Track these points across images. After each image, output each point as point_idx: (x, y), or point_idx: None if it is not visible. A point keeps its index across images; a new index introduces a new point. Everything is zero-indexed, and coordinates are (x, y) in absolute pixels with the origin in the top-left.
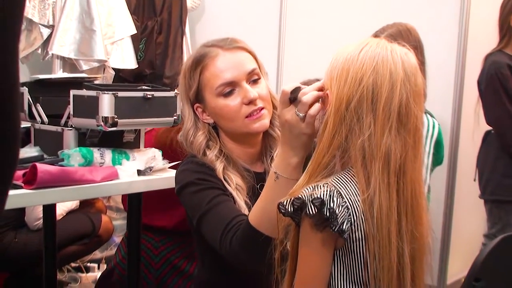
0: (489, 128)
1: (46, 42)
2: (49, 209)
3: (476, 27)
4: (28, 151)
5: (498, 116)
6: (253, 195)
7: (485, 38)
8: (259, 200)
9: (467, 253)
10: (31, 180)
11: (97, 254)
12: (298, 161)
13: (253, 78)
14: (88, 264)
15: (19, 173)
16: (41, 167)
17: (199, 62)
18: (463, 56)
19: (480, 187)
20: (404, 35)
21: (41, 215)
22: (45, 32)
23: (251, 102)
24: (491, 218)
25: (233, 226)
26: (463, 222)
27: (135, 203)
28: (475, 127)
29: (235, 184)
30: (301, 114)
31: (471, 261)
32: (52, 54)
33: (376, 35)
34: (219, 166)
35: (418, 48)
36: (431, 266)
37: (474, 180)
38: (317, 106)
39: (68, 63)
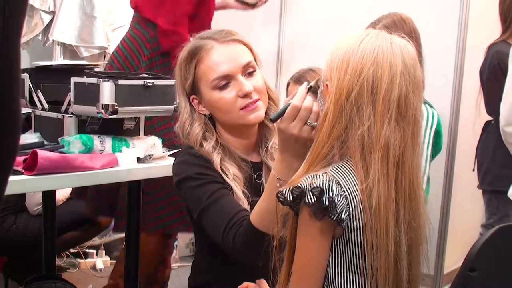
0: (489, 118)
1: (47, 28)
2: (49, 195)
3: (476, 16)
4: (28, 137)
5: (499, 107)
6: (250, 184)
7: (485, 28)
8: (261, 202)
9: (464, 243)
10: (32, 166)
11: (96, 240)
12: (299, 165)
13: (248, 70)
14: (87, 250)
15: (20, 159)
16: (42, 153)
17: (195, 54)
18: (463, 46)
19: (479, 177)
20: (398, 25)
21: (41, 200)
22: (46, 18)
23: (246, 95)
24: (489, 209)
25: (235, 223)
26: (461, 212)
27: (134, 190)
28: (475, 117)
29: (232, 175)
30: (314, 123)
31: (467, 252)
32: (53, 40)
33: (371, 26)
34: (216, 158)
35: (414, 38)
36: (427, 256)
37: (473, 170)
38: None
39: (69, 50)
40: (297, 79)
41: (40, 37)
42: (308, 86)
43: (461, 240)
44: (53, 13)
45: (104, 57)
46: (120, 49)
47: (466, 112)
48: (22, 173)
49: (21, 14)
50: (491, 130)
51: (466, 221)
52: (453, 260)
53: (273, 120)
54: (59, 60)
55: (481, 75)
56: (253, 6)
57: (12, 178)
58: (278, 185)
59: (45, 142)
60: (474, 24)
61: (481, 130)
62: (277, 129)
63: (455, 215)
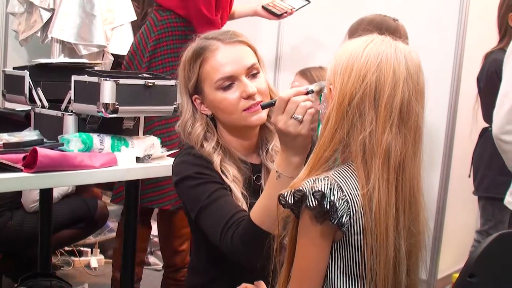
0: (486, 125)
1: (46, 26)
2: (46, 193)
3: (475, 23)
4: (27, 135)
5: None
6: (249, 186)
7: (483, 35)
8: (261, 198)
9: (458, 249)
10: (31, 164)
11: (91, 239)
12: (299, 160)
13: (252, 72)
14: (81, 249)
15: (19, 156)
16: (42, 151)
17: (199, 54)
18: (461, 52)
19: (474, 184)
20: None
21: (38, 198)
22: (45, 15)
23: (249, 96)
24: (484, 215)
25: (234, 223)
26: (455, 218)
27: (132, 190)
28: (472, 124)
29: (232, 176)
30: (299, 117)
31: (461, 257)
32: (52, 37)
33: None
34: (216, 159)
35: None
36: (425, 262)
37: (469, 176)
38: (312, 108)
39: (67, 47)
40: (303, 72)
41: (39, 34)
42: (309, 90)
43: (455, 245)
44: (52, 10)
45: (103, 55)
46: (136, 37)
47: (463, 118)
48: (21, 171)
49: None
50: (487, 137)
51: (460, 227)
52: (447, 265)
53: (262, 107)
54: (59, 58)
55: (478, 83)
56: (278, 16)
57: (11, 175)
58: (276, 178)
59: (45, 140)
60: (472, 31)
61: (477, 137)
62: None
63: (449, 221)
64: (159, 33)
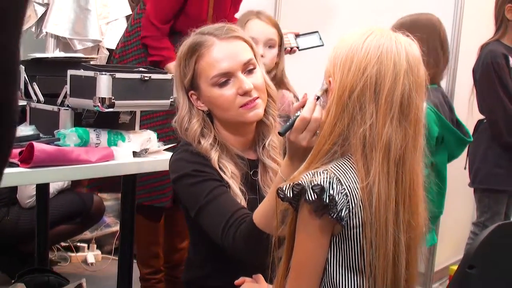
0: (482, 117)
1: (40, 20)
2: (43, 188)
3: (470, 15)
4: (23, 130)
5: (491, 105)
6: (247, 182)
7: (480, 27)
8: (265, 203)
9: (454, 241)
10: (28, 159)
11: (87, 234)
12: None
13: (248, 68)
14: (78, 244)
15: (15, 151)
16: (38, 146)
17: (195, 50)
18: (457, 44)
19: (470, 176)
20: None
21: (33, 193)
22: (40, 10)
23: (246, 93)
24: (480, 207)
25: (235, 221)
26: (452, 210)
27: (129, 184)
28: (468, 116)
29: (230, 173)
30: None
31: (458, 249)
32: (46, 32)
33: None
34: (214, 156)
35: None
36: (425, 255)
37: (465, 168)
38: None
39: (62, 42)
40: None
41: (33, 29)
42: (317, 97)
43: (452, 237)
44: (47, 5)
45: (98, 50)
46: None
47: (459, 110)
48: (17, 166)
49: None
50: (483, 129)
51: (456, 219)
52: (444, 258)
53: (282, 134)
54: (55, 52)
55: (474, 74)
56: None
57: (7, 170)
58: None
59: (41, 135)
60: (468, 22)
61: (473, 129)
62: (286, 140)
63: (445, 213)
64: (129, 35)
